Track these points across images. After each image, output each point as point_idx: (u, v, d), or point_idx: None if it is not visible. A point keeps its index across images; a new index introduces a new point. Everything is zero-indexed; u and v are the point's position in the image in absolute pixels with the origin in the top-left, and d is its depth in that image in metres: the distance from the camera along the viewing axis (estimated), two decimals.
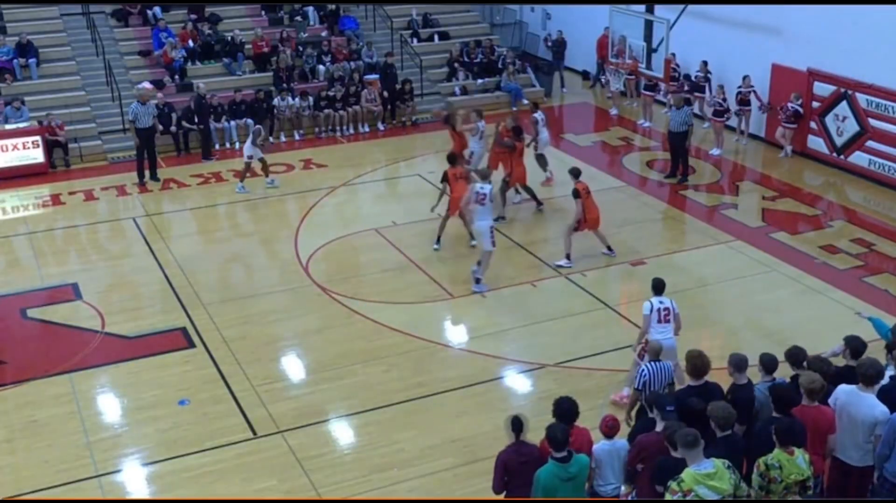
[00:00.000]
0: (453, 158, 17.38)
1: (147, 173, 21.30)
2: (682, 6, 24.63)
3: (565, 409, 8.77)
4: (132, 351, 14.20)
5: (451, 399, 12.74)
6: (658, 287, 12.08)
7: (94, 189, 20.99)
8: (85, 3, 26.88)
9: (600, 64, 28.31)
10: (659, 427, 8.84)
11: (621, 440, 9.13)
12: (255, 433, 12.01)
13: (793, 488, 8.05)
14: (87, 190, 20.98)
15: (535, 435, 8.84)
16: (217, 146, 23.61)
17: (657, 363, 10.55)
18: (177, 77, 25.08)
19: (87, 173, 22.06)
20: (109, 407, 12.88)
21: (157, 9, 26.89)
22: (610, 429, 9.07)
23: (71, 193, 20.72)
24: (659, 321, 11.82)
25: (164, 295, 15.89)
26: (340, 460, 11.58)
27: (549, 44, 29.45)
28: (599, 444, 9.02)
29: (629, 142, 24.15)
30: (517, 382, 13.34)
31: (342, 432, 12.21)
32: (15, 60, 24.44)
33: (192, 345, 14.29)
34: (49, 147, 22.24)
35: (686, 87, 23.85)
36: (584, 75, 30.07)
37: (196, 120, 23.05)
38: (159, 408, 12.67)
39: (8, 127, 22.12)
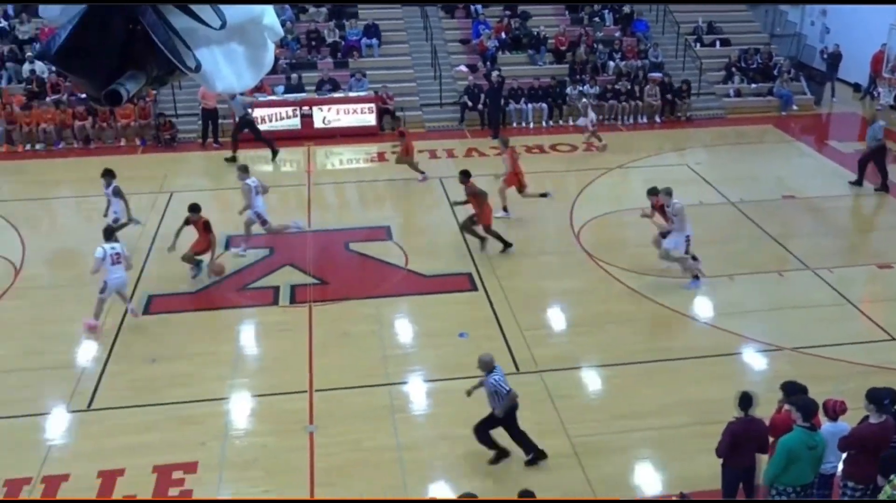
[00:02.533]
0: None
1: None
2: None
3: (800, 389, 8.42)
4: (426, 287, 14.77)
5: (690, 366, 12.35)
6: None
7: (413, 151, 21.86)
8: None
9: (873, 78, 26.07)
10: (874, 419, 8.22)
11: (843, 423, 8.56)
12: (517, 369, 12.19)
13: None
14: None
15: (761, 410, 8.44)
16: (514, 124, 23.94)
17: None
18: (488, 63, 25.59)
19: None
20: (403, 330, 13.50)
21: (479, 5, 27.49)
22: (835, 413, 8.52)
23: (394, 153, 21.73)
24: None
25: (457, 244, 16.38)
26: (587, 404, 11.56)
27: (825, 56, 27.41)
28: (824, 426, 8.49)
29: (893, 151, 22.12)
30: (753, 360, 12.70)
31: (591, 380, 12.17)
32: (362, 40, 25.85)
33: (474, 288, 14.67)
34: (380, 113, 23.42)
35: None
36: (856, 88, 27.78)
37: (487, 103, 23.50)
38: (442, 336, 13.13)
39: (351, 94, 23.53)
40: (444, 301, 14.30)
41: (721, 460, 8.69)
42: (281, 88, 23.80)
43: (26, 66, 23.79)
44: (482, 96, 23.80)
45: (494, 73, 23.91)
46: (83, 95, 20.61)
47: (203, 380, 12.02)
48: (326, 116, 23.06)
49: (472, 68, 25.35)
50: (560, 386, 11.78)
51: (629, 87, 24.75)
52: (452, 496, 9.31)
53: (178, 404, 11.47)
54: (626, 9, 28.05)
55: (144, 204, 18.16)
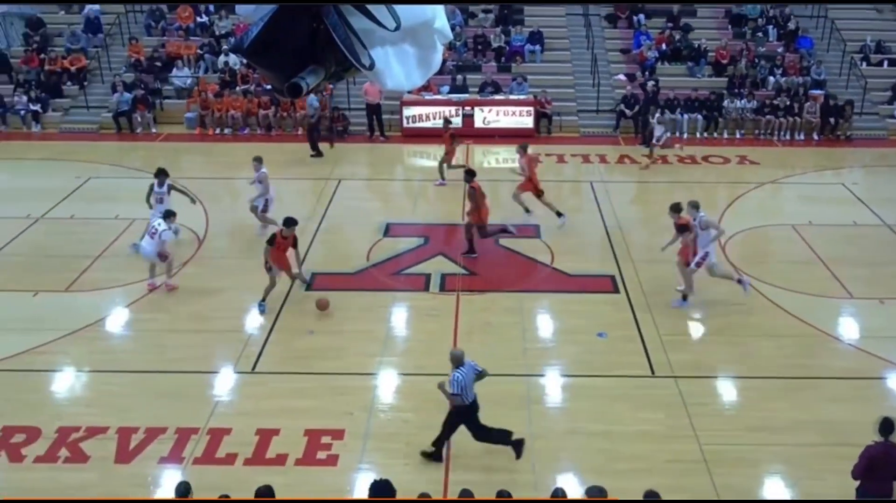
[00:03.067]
0: None
1: None
2: None
3: None
4: (570, 285, 14.66)
5: (829, 385, 11.72)
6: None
7: (566, 154, 21.76)
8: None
9: None
10: None
11: None
12: (653, 372, 11.95)
13: None
14: (559, 154, 21.81)
15: None
16: (668, 134, 23.35)
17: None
18: (647, 73, 25.07)
19: (562, 141, 22.92)
20: (544, 324, 13.46)
21: (641, 16, 26.94)
22: None
23: (547, 155, 21.65)
24: None
25: (603, 246, 16.17)
26: (720, 412, 11.18)
27: None
28: None
29: None
30: None
31: (726, 389, 11.76)
32: (526, 46, 25.85)
33: (616, 290, 14.45)
34: (538, 116, 23.39)
35: None
36: None
37: (638, 111, 22.99)
38: (581, 334, 13.01)
39: (512, 97, 23.61)
40: (586, 300, 14.16)
41: (856, 483, 8.23)
42: (446, 88, 24.15)
43: (221, 58, 25.14)
44: (636, 104, 23.36)
45: (650, 83, 23.42)
46: (268, 86, 21.60)
47: (355, 354, 12.39)
48: (487, 117, 23.23)
49: (631, 77, 24.90)
50: (694, 393, 11.45)
51: (788, 102, 23.66)
52: (580, 488, 9.23)
53: (331, 375, 11.87)
54: (791, 25, 26.81)
55: (314, 189, 18.86)
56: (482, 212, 15.30)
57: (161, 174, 15.59)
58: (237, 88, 24.20)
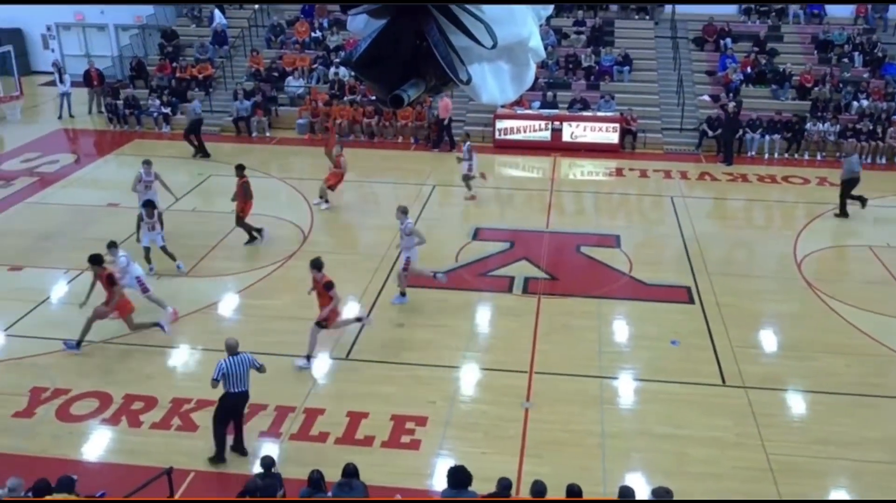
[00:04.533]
0: None
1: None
2: None
3: None
4: (646, 294, 14.39)
5: None
6: None
7: (648, 170, 21.37)
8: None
9: None
10: None
11: None
12: (723, 382, 11.63)
13: None
14: (643, 169, 21.43)
15: None
16: (749, 153, 22.68)
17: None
18: (731, 94, 24.39)
19: (646, 157, 22.52)
20: (620, 330, 13.24)
21: (728, 39, 26.23)
22: None
23: (631, 170, 21.31)
24: None
25: (679, 258, 15.83)
26: (788, 424, 10.80)
27: None
28: None
29: None
30: None
31: (795, 402, 11.34)
32: (615, 67, 25.49)
33: (691, 301, 14.12)
34: (623, 133, 23.03)
35: None
36: None
37: (720, 131, 22.36)
38: (655, 341, 12.76)
39: (599, 114, 23.32)
40: (661, 309, 13.87)
41: None
42: (537, 104, 24.04)
43: (332, 70, 25.64)
44: (719, 125, 22.75)
45: (731, 104, 22.78)
46: (373, 97, 21.94)
47: (440, 347, 12.45)
48: (574, 132, 23.01)
49: (715, 98, 24.26)
50: (764, 403, 11.08)
51: (871, 127, 22.65)
52: (647, 487, 9.05)
53: (417, 365, 11.96)
54: (879, 52, 25.66)
55: (410, 193, 19.04)
56: None
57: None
58: (344, 98, 24.64)
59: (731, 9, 27.74)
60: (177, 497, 9.13)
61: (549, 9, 3.42)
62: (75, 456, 10.05)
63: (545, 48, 4.76)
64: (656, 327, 13.16)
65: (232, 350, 9.79)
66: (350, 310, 13.49)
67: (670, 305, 14.00)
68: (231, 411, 9.87)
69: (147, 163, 16.50)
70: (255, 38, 27.97)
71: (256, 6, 28.64)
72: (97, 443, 10.32)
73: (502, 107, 21.88)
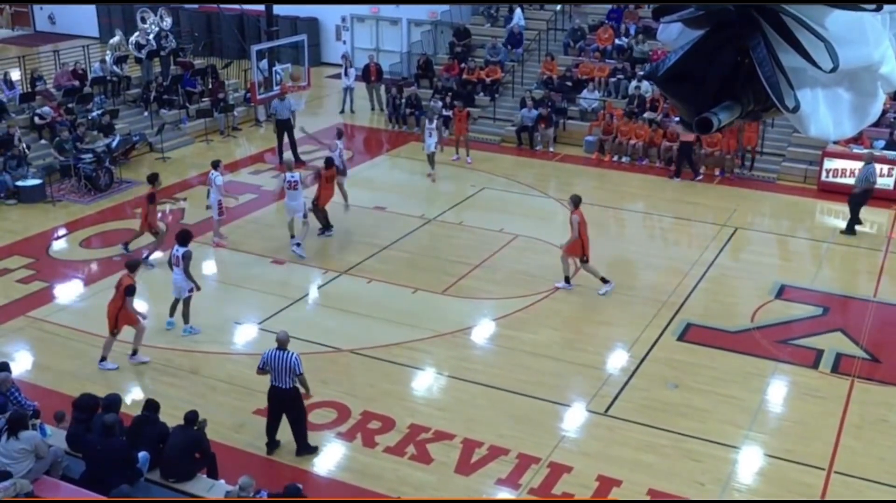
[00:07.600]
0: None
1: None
2: None
3: None
4: None
5: None
6: None
7: None
8: None
9: None
10: None
11: None
12: None
13: None
14: None
15: None
16: None
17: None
18: None
19: None
20: None
21: None
22: None
23: None
24: None
25: None
26: None
27: None
28: None
29: None
30: None
31: None
32: None
33: None
34: None
35: None
36: None
37: None
38: None
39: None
40: None
41: None
42: (881, 143, 22.20)
43: (633, 83, 25.61)
44: None
45: None
46: (676, 118, 21.55)
47: (717, 420, 11.91)
48: None
49: None
50: None
51: None
52: None
53: (686, 436, 11.52)
54: None
55: (707, 233, 18.44)
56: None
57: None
58: (643, 115, 24.45)
59: None
60: None
61: None
62: (306, 466, 10.87)
63: None
64: None
65: (281, 345, 10.59)
66: (619, 359, 13.35)
67: None
68: (276, 405, 10.69)
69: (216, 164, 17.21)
70: (552, 41, 28.72)
71: (558, 7, 29.41)
72: (329, 457, 11.09)
73: (835, 143, 20.48)
